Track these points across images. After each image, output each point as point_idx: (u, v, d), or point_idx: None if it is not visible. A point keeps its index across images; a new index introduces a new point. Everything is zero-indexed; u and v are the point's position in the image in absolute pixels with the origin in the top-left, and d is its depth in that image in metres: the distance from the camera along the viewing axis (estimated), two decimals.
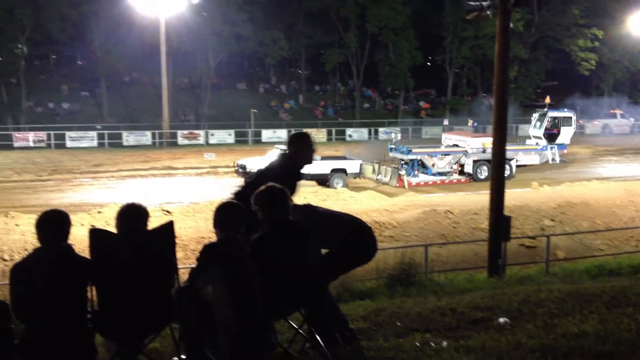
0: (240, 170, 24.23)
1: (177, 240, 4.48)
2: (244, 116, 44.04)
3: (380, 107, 57.80)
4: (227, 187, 23.94)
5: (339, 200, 20.25)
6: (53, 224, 4.02)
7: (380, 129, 44.18)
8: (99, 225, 14.58)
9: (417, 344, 4.97)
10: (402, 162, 25.72)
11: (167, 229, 4.35)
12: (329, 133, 43.90)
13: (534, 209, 18.07)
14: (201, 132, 42.09)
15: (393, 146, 26.61)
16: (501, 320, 5.61)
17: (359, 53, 52.46)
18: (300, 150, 5.02)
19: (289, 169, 4.94)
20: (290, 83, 60.99)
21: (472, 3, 10.66)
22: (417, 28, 50.43)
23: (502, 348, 4.80)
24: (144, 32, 40.91)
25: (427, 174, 26.06)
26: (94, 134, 39.73)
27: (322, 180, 23.75)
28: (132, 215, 4.25)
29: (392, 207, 18.47)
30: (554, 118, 30.56)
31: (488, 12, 10.71)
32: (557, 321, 5.53)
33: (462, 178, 26.45)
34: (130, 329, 4.15)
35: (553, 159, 29.25)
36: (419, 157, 26.00)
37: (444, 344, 4.94)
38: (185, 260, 11.86)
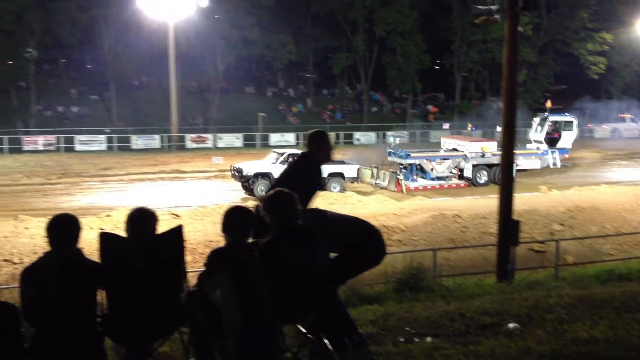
0: (237, 174, 24.17)
1: (185, 244, 4.49)
2: (252, 120, 44.15)
3: (388, 111, 57.79)
4: (235, 190, 24.15)
5: (347, 204, 20.24)
6: (63, 228, 4.03)
7: (388, 133, 44.14)
8: (108, 228, 14.61)
9: (427, 349, 4.95)
10: (401, 166, 25.62)
11: (177, 233, 4.36)
12: (337, 137, 43.89)
13: (543, 213, 18.00)
14: (209, 136, 42.24)
15: (392, 150, 26.53)
16: (510, 325, 5.58)
17: (366, 57, 52.50)
18: (320, 147, 5.09)
19: (311, 168, 4.96)
20: (298, 87, 61.07)
21: (480, 7, 10.65)
22: (425, 32, 50.45)
23: (512, 354, 4.77)
24: (153, 36, 41.09)
25: (426, 178, 25.95)
26: (103, 137, 39.92)
27: None
28: (142, 219, 4.27)
29: (400, 211, 18.45)
30: (555, 122, 30.42)
31: (496, 16, 10.70)
32: (567, 327, 5.50)
33: (462, 183, 26.33)
34: (140, 332, 4.15)
35: (554, 164, 29.07)
36: (417, 162, 25.90)
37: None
38: (194, 264, 11.85)
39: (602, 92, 55.85)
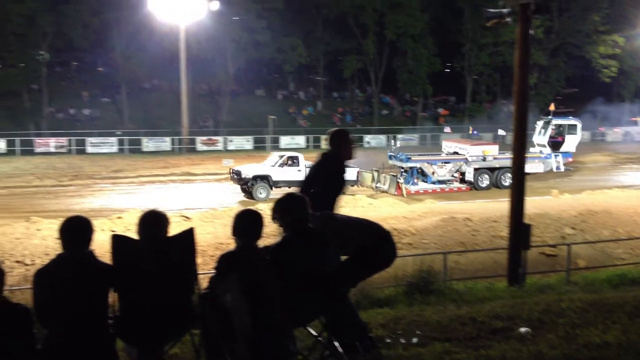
0: (236, 176, 24.02)
1: (196, 247, 4.50)
2: (263, 122, 44.22)
3: (399, 114, 57.68)
4: (241, 193, 24.13)
5: (357, 207, 20.18)
6: (75, 230, 4.05)
7: (399, 136, 44.08)
8: (119, 230, 14.71)
9: (437, 353, 4.93)
10: (402, 169, 25.51)
11: (188, 236, 4.37)
12: None
13: (554, 217, 17.88)
14: (220, 138, 42.37)
15: (392, 153, 26.40)
16: (522, 330, 5.55)
17: (377, 59, 52.44)
18: (342, 146, 5.14)
19: (335, 167, 4.98)
20: (308, 89, 61.12)
21: (492, 10, 10.61)
22: (435, 35, 50.36)
23: (524, 358, 4.75)
24: (164, 39, 41.31)
25: (427, 182, 25.81)
26: (114, 140, 40.18)
27: None
28: (153, 221, 4.28)
29: (410, 214, 18.38)
30: (559, 126, 30.20)
31: (508, 19, 10.64)
32: (578, 331, 5.47)
33: (463, 186, 26.13)
34: (151, 334, 4.17)
35: (557, 167, 28.83)
36: (418, 165, 25.75)
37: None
38: (204, 266, 11.87)
39: (614, 95, 55.46)
